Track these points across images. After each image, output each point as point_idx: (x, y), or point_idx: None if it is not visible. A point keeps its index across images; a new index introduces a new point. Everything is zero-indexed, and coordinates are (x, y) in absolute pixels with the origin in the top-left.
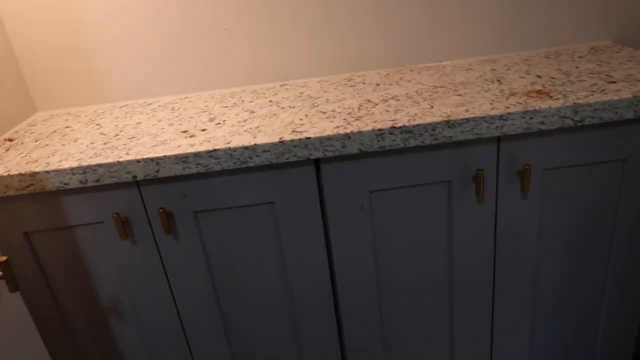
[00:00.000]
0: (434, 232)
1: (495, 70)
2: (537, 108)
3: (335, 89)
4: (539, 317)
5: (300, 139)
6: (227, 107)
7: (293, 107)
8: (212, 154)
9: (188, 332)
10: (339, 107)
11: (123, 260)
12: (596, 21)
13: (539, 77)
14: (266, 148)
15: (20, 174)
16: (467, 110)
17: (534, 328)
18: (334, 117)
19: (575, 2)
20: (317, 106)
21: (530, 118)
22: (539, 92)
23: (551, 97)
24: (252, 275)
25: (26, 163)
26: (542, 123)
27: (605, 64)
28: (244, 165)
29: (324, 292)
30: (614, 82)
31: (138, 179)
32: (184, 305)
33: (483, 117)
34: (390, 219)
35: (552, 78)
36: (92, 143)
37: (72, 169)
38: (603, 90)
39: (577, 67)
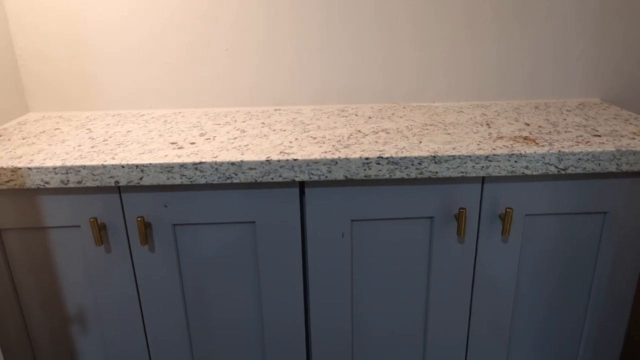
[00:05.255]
0: (413, 267)
1: (485, 114)
2: (522, 152)
3: (327, 117)
4: None
5: (287, 160)
6: (219, 124)
7: (284, 130)
8: (198, 166)
9: (152, 351)
10: (329, 134)
11: (95, 267)
12: (586, 78)
13: (527, 124)
14: (252, 166)
15: (2, 168)
16: (454, 148)
17: None
18: (323, 142)
19: (566, 59)
20: (308, 131)
21: (515, 161)
22: (525, 137)
23: (537, 143)
24: (224, 296)
25: (9, 158)
26: (527, 167)
27: (592, 119)
28: (228, 181)
29: (297, 320)
30: (599, 136)
31: (120, 184)
32: (151, 321)
33: (469, 156)
34: (369, 250)
35: (540, 127)
36: (79, 145)
37: (55, 167)
38: (588, 142)
39: (565, 119)
